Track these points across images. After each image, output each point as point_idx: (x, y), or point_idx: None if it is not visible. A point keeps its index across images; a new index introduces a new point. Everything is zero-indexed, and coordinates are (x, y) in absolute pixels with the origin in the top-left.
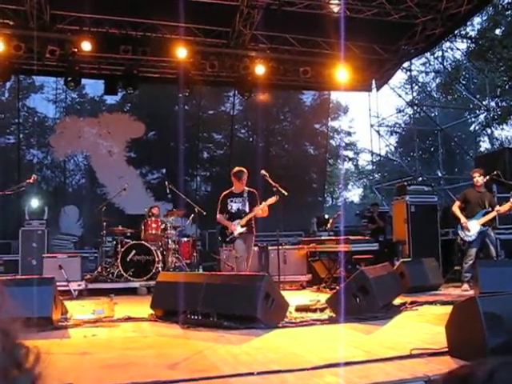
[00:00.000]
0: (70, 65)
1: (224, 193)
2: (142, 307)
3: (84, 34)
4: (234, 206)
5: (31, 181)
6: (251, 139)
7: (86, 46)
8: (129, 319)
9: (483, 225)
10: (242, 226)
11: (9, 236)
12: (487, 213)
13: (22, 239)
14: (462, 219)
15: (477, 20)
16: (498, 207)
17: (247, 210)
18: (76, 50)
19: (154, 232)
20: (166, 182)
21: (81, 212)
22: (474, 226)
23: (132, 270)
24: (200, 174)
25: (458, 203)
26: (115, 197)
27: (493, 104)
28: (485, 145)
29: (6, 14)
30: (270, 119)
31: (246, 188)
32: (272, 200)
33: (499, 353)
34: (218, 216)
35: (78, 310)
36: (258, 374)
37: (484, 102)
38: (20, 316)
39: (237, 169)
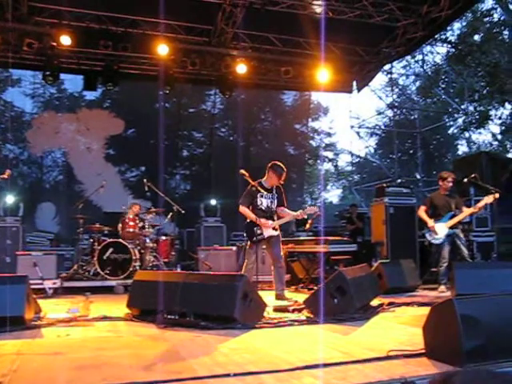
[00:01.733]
0: (49, 59)
1: (253, 183)
2: (118, 306)
3: (63, 27)
4: (264, 201)
5: (5, 176)
6: (231, 138)
7: (65, 40)
8: (104, 318)
9: (451, 227)
10: (274, 229)
11: None
12: (454, 215)
13: None
14: (430, 223)
15: (457, 25)
16: (465, 208)
17: (274, 208)
18: (55, 43)
19: (131, 230)
20: (145, 180)
21: (57, 209)
22: (441, 229)
23: (109, 269)
24: (179, 172)
25: (423, 207)
26: (93, 194)
27: (471, 108)
28: (463, 148)
29: None
30: (250, 118)
31: (276, 184)
32: (311, 210)
33: (475, 355)
34: (243, 209)
35: (53, 308)
36: (235, 375)
37: (462, 106)
38: None
39: (276, 163)
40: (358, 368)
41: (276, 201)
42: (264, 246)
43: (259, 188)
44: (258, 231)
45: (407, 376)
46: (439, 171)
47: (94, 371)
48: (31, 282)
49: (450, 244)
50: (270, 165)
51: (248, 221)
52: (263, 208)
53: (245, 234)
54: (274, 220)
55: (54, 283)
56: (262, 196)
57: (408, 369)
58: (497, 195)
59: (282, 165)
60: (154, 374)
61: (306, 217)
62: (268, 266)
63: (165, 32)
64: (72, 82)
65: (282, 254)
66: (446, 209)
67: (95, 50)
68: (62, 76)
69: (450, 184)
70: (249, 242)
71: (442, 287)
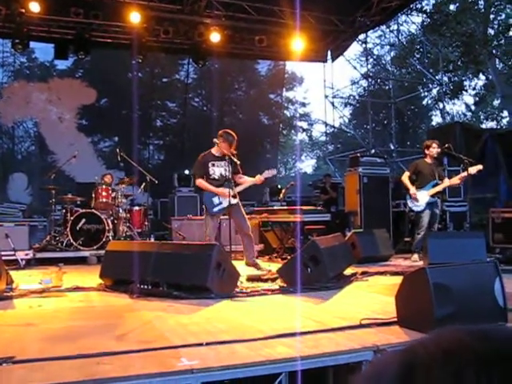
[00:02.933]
0: (18, 26)
1: (202, 154)
2: (91, 277)
3: None
4: (216, 170)
5: None
6: (205, 108)
7: (34, 6)
8: (77, 289)
9: (432, 196)
10: (233, 197)
11: None
12: (436, 184)
13: None
14: (412, 190)
15: None
16: (446, 179)
17: (229, 175)
18: (23, 10)
19: (104, 200)
20: (118, 150)
21: (29, 180)
22: (423, 197)
23: (82, 239)
24: (153, 142)
25: (407, 173)
26: (65, 164)
27: (445, 79)
28: (437, 119)
29: None
30: (224, 88)
31: (229, 152)
32: (270, 173)
33: (446, 323)
34: (200, 181)
35: (25, 279)
36: (208, 344)
37: (437, 77)
38: None
39: (226, 131)
40: (331, 336)
41: (230, 168)
42: (226, 217)
43: (209, 157)
44: (217, 201)
45: (379, 344)
46: (413, 142)
47: (66, 341)
48: (3, 253)
49: (430, 213)
50: (220, 133)
51: (205, 192)
52: (216, 177)
53: (204, 207)
54: (231, 188)
55: (27, 254)
56: (213, 165)
57: (380, 337)
58: (480, 166)
59: (232, 132)
60: (126, 343)
61: (263, 180)
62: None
63: None
64: (43, 51)
65: (247, 221)
66: (430, 177)
67: (66, 18)
68: (33, 44)
69: (436, 150)
70: (208, 214)
71: (415, 256)
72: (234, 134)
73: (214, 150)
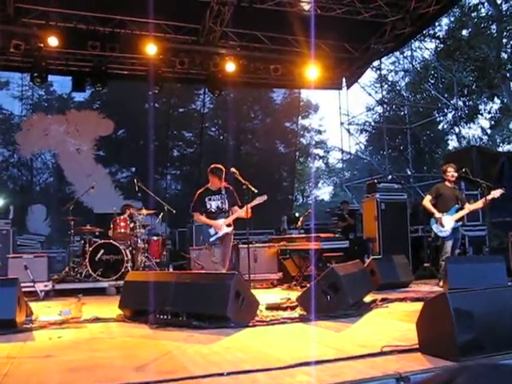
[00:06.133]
0: (36, 60)
1: (200, 191)
2: (110, 307)
3: (50, 28)
4: (213, 204)
5: None
6: (222, 137)
7: (53, 41)
8: (96, 320)
9: (457, 221)
10: (227, 226)
11: None
12: (460, 209)
13: None
14: (437, 214)
15: (445, 21)
16: (468, 204)
17: (227, 207)
18: (42, 45)
19: (122, 231)
20: (135, 180)
21: (48, 211)
22: (448, 222)
23: (100, 270)
24: (170, 172)
25: (429, 197)
26: (83, 195)
27: (460, 103)
28: (453, 143)
29: None
30: (240, 117)
31: (223, 185)
32: (258, 201)
33: (468, 349)
34: (196, 215)
35: (45, 311)
36: (228, 374)
37: (452, 101)
38: None
39: (214, 166)
40: (352, 365)
41: (227, 201)
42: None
43: (206, 193)
44: (213, 232)
45: (401, 371)
46: (430, 167)
47: (86, 373)
48: (22, 284)
49: (454, 238)
50: (209, 169)
51: (203, 224)
52: (213, 210)
53: (201, 238)
54: (225, 218)
55: (46, 286)
56: (210, 199)
57: (402, 364)
58: (502, 190)
59: (220, 166)
60: (146, 374)
61: (249, 212)
62: (260, 264)
63: (153, 32)
64: (60, 84)
65: (229, 254)
66: (452, 200)
67: (83, 51)
68: (51, 77)
69: (451, 173)
70: (207, 245)
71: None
72: (222, 166)
73: (209, 185)
